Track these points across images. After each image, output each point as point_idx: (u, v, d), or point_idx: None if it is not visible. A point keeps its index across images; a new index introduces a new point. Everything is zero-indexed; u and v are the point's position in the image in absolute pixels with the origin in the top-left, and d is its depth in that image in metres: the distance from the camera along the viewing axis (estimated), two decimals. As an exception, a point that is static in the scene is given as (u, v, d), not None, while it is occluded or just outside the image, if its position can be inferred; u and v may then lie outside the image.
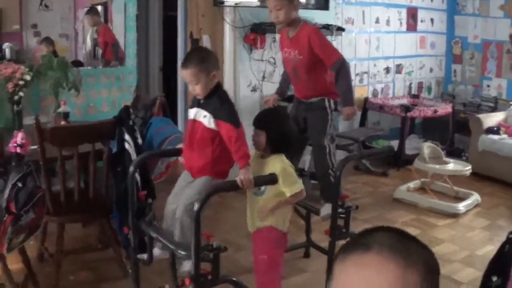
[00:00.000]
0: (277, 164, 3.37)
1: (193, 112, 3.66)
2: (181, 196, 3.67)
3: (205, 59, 3.58)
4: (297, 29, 4.72)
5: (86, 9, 6.13)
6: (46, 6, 5.77)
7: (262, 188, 3.39)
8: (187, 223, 3.53)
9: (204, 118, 3.56)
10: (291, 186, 3.34)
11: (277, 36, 5.72)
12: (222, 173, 3.67)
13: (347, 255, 1.27)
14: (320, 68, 4.72)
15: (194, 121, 3.64)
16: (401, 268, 1.21)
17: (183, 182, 3.81)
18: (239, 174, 3.30)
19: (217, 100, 3.55)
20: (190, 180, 3.75)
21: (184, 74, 3.60)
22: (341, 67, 4.64)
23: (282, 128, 3.47)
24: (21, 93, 4.61)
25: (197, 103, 3.65)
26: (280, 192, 3.36)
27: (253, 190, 3.42)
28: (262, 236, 3.47)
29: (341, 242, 3.71)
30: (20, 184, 3.24)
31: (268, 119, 3.51)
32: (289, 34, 4.79)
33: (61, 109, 4.62)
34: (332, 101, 4.84)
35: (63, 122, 4.53)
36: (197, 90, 3.54)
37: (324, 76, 4.77)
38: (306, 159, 5.95)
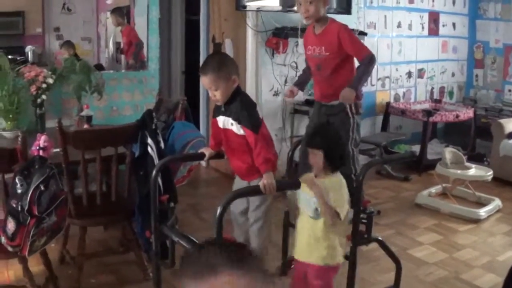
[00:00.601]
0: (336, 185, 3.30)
1: (221, 121, 3.61)
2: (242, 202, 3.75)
3: (223, 64, 3.51)
4: (324, 26, 4.71)
5: (109, 12, 6.16)
6: (69, 9, 5.80)
7: (319, 209, 3.27)
8: (254, 230, 3.73)
9: (232, 126, 3.53)
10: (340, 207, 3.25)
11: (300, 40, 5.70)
12: None
13: (198, 281, 1.25)
14: (345, 66, 4.73)
15: (225, 129, 3.60)
16: (251, 281, 1.24)
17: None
18: (262, 179, 3.30)
19: (237, 104, 3.50)
20: (242, 184, 3.73)
21: (203, 81, 3.55)
22: (370, 60, 4.65)
23: (338, 142, 3.40)
24: (43, 96, 4.64)
25: (220, 111, 3.62)
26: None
27: (310, 214, 3.32)
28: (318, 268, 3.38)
29: (363, 248, 3.70)
30: (42, 187, 3.24)
31: (324, 136, 3.35)
32: (316, 31, 4.78)
33: (84, 113, 4.63)
34: (353, 105, 4.83)
35: (86, 126, 4.54)
36: (217, 96, 3.49)
37: (347, 75, 4.76)
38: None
